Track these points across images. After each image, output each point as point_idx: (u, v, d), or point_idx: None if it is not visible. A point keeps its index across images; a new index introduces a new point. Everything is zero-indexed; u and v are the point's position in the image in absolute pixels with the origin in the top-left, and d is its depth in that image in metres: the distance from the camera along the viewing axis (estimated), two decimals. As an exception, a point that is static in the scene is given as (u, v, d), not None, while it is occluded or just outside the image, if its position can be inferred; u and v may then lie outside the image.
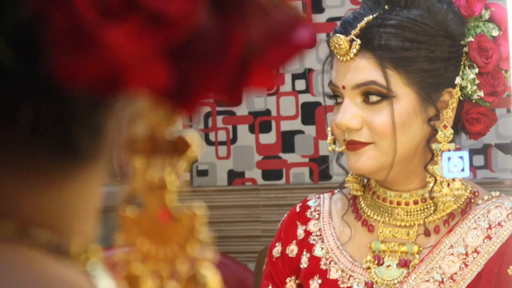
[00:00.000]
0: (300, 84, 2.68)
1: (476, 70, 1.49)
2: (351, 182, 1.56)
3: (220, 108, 2.69)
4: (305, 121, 2.67)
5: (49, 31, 0.38)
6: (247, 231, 2.67)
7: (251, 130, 2.71)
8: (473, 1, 1.51)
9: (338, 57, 1.48)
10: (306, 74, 2.68)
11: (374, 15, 1.48)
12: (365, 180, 1.59)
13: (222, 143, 2.73)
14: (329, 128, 1.53)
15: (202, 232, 0.47)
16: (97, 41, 0.38)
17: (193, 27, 0.39)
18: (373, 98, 1.47)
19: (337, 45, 1.47)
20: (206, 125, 2.74)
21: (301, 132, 2.68)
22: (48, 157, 0.43)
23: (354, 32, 1.47)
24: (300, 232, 1.59)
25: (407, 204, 1.53)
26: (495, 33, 1.51)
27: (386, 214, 1.54)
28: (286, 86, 2.69)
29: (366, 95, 1.47)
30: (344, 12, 2.63)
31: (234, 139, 2.73)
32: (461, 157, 1.46)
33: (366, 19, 1.47)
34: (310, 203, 1.62)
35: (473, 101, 1.51)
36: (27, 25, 0.39)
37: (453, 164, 1.46)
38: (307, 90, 2.68)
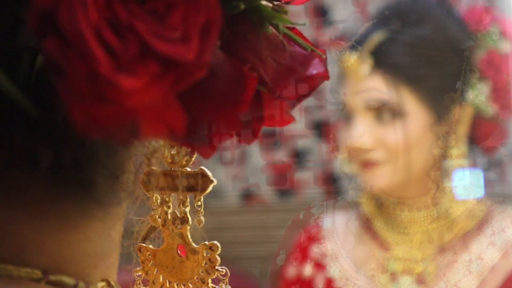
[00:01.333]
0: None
1: (487, 85, 1.49)
2: (365, 204, 1.56)
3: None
4: (309, 125, 2.67)
5: (66, 78, 0.38)
6: (253, 237, 2.67)
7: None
8: (481, 14, 1.51)
9: (349, 75, 1.48)
10: (309, 78, 2.68)
11: (385, 33, 1.47)
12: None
13: (225, 148, 2.74)
14: (341, 147, 1.53)
15: (218, 265, 0.48)
16: (114, 87, 0.38)
17: (207, 67, 0.40)
18: (385, 116, 1.46)
19: (348, 64, 1.47)
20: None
21: (305, 136, 2.68)
22: (68, 201, 0.43)
23: (365, 50, 1.46)
24: (303, 239, 1.59)
25: (410, 211, 1.53)
26: (504, 46, 1.51)
27: (390, 221, 1.54)
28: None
29: (378, 114, 1.47)
30: (346, 15, 2.63)
31: (237, 144, 2.73)
32: (473, 175, 1.46)
33: (376, 37, 1.47)
34: (313, 210, 1.63)
35: (485, 116, 1.50)
36: (44, 71, 0.39)
37: (467, 183, 1.46)
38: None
